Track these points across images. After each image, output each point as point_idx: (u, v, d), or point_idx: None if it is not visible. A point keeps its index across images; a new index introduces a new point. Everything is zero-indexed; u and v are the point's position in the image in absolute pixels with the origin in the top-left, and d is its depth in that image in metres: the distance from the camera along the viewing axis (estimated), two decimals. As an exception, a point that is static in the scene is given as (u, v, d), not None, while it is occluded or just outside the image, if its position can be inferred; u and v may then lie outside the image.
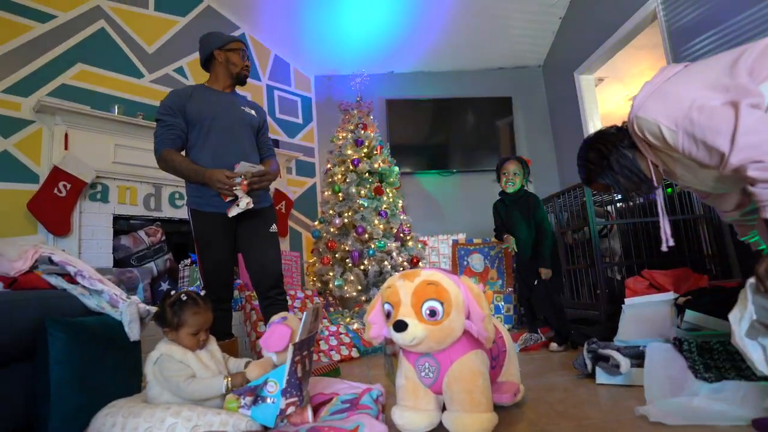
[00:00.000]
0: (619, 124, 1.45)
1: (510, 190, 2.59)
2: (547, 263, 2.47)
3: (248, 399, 1.23)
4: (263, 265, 1.96)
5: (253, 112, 2.06)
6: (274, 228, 2.04)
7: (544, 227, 2.51)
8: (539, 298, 2.53)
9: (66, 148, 2.83)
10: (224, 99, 1.99)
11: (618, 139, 1.40)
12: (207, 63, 2.04)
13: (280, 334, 1.41)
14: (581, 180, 1.55)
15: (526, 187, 2.63)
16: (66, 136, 2.85)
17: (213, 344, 1.48)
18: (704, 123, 1.13)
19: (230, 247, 1.97)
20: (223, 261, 1.94)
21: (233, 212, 1.81)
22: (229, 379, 1.31)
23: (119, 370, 1.39)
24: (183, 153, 1.95)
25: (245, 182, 1.79)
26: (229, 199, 1.83)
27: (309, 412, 1.32)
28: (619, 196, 3.27)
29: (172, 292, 1.41)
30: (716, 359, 1.42)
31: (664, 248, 1.52)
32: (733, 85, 1.13)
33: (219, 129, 1.92)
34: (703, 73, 1.22)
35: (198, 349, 1.39)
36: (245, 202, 1.80)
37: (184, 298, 1.38)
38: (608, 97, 5.34)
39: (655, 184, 1.41)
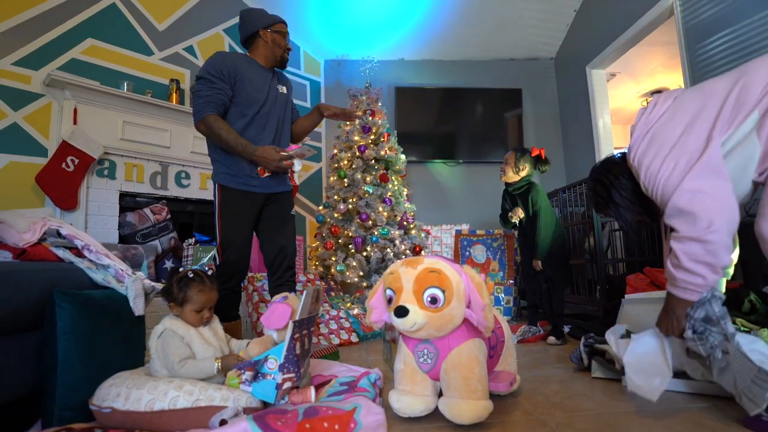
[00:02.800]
0: (625, 150, 1.51)
1: (503, 178, 2.59)
2: (540, 254, 2.44)
3: (249, 374, 1.25)
4: (283, 246, 2.00)
5: (284, 89, 2.08)
6: (293, 211, 2.12)
7: (540, 216, 2.45)
8: (534, 286, 2.55)
9: (75, 122, 2.84)
10: (270, 80, 1.99)
11: (621, 170, 1.47)
12: (248, 40, 2.00)
13: (280, 312, 1.44)
14: (593, 208, 1.61)
15: (531, 177, 2.59)
16: (75, 111, 2.86)
17: (216, 322, 1.51)
18: (659, 197, 1.32)
19: (252, 228, 1.99)
20: (244, 239, 1.95)
21: (297, 168, 1.94)
22: (220, 360, 1.33)
23: (124, 343, 1.41)
24: None
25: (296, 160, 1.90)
26: (266, 174, 1.89)
27: (312, 392, 1.34)
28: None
29: (180, 269, 1.43)
30: None
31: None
32: (699, 155, 1.24)
33: (264, 113, 1.94)
34: (684, 128, 1.30)
35: (201, 326, 1.42)
36: (298, 168, 1.93)
37: (191, 275, 1.40)
38: (620, 93, 5.28)
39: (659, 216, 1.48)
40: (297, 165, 1.92)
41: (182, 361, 1.30)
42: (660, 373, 1.27)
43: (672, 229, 1.29)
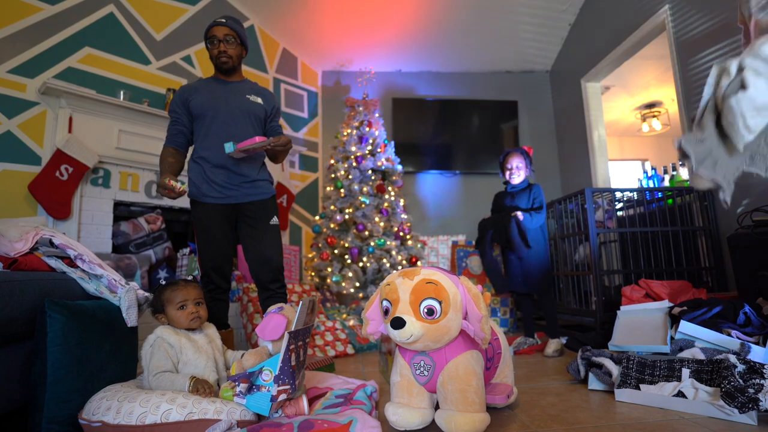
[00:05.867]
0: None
1: (516, 181, 2.64)
2: (527, 222, 2.53)
3: (243, 386, 1.23)
4: (262, 257, 1.97)
5: (259, 99, 2.06)
6: (275, 220, 2.05)
7: (540, 206, 2.57)
8: (518, 276, 2.60)
9: (70, 131, 2.83)
10: (229, 89, 2.02)
11: None
12: None
13: (276, 323, 1.42)
14: None
15: (529, 178, 2.68)
16: (70, 119, 2.85)
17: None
18: None
19: (229, 237, 1.99)
20: (220, 250, 1.96)
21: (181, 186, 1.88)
22: (194, 379, 1.31)
23: (116, 354, 1.39)
24: (191, 146, 2.06)
25: (181, 188, 1.83)
26: (180, 189, 1.84)
27: (304, 403, 1.32)
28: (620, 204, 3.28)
29: (162, 283, 1.49)
30: (655, 375, 1.52)
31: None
32: None
33: (221, 120, 1.96)
34: None
35: (191, 324, 1.43)
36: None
37: (164, 283, 1.46)
38: (614, 106, 5.34)
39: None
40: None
41: (158, 374, 1.30)
42: None
43: None
